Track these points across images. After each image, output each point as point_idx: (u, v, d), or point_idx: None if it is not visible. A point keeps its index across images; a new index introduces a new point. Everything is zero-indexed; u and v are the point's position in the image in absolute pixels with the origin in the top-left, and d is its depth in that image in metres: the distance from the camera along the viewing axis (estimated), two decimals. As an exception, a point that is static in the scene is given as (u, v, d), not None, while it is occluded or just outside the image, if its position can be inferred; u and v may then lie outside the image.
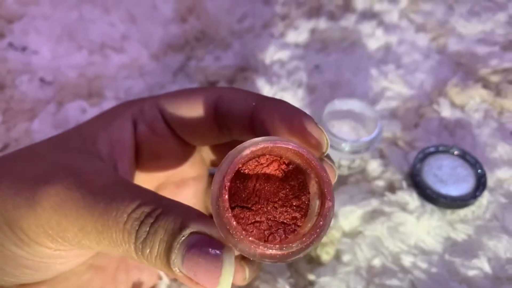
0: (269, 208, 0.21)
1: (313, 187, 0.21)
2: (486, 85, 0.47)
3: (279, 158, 0.21)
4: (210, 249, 0.19)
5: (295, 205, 0.21)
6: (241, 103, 0.26)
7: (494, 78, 0.47)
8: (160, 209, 0.20)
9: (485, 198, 0.37)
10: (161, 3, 0.56)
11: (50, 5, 0.56)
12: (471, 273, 0.33)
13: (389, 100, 0.46)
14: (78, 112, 0.45)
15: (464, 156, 0.38)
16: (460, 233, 0.35)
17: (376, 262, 0.34)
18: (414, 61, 0.50)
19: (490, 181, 0.38)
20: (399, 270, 0.33)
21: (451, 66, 0.49)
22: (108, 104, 0.44)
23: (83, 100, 0.46)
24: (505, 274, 0.33)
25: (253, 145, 0.19)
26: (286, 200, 0.21)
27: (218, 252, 0.19)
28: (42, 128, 0.43)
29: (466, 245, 0.35)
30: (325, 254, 0.34)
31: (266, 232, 0.20)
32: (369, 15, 0.56)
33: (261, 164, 0.21)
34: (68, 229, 0.21)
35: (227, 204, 0.18)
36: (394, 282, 0.32)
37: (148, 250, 0.20)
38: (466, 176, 0.37)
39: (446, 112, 0.44)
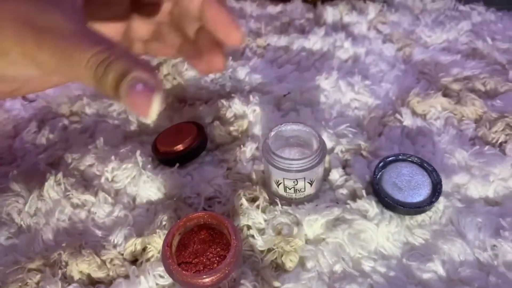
0: (203, 259, 0.32)
1: (228, 235, 0.32)
2: (447, 93, 0.49)
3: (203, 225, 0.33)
4: (144, 91, 0.26)
5: (221, 253, 0.32)
6: None
7: (455, 86, 0.49)
8: (113, 56, 0.27)
9: (441, 203, 0.38)
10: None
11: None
12: (426, 276, 0.35)
13: (355, 110, 0.48)
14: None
15: (422, 164, 0.40)
16: (418, 238, 0.37)
17: (338, 267, 0.36)
18: (380, 71, 0.52)
19: (448, 187, 0.40)
20: (359, 275, 0.35)
21: (415, 75, 0.51)
22: None
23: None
24: (458, 276, 0.34)
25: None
26: (215, 252, 0.32)
27: (149, 93, 0.26)
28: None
29: (423, 249, 0.36)
30: (289, 261, 0.36)
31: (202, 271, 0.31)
32: (338, 27, 0.58)
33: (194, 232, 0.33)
34: (47, 63, 0.27)
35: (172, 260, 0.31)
36: (354, 286, 0.34)
37: (103, 83, 0.27)
38: (423, 183, 0.39)
39: (408, 121, 0.46)
